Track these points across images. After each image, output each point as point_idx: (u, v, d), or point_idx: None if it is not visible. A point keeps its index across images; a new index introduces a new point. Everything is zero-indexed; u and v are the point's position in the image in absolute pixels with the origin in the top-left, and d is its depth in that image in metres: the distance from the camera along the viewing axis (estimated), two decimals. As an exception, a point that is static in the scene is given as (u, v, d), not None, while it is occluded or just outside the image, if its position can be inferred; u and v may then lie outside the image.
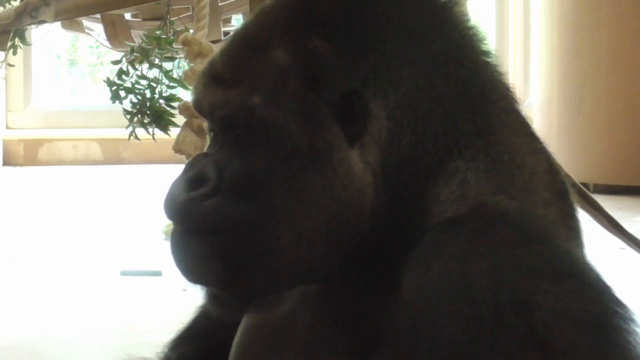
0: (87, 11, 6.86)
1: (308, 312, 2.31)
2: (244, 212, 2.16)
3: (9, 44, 6.47)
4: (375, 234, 2.16)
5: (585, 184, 8.45)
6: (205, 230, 2.19)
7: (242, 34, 2.30)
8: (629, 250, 6.24)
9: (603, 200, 6.12)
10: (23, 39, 6.89)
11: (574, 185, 5.07)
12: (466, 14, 2.30)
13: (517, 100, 2.28)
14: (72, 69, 14.26)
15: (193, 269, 2.23)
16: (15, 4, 6.85)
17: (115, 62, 6.81)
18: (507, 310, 1.91)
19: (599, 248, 7.12)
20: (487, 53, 2.27)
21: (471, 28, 2.29)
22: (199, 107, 2.27)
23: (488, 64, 2.27)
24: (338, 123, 2.15)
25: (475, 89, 2.21)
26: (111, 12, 7.56)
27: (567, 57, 10.91)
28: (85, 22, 8.28)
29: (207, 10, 5.86)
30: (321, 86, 2.15)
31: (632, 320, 1.98)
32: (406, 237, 2.09)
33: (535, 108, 11.52)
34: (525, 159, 2.20)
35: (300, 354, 2.28)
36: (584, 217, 4.84)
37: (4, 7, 7.17)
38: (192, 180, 2.19)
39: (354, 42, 2.18)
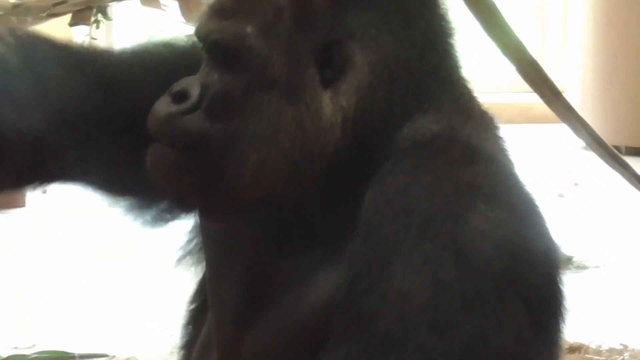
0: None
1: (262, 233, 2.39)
2: (218, 130, 2.25)
3: (92, 19, 6.56)
4: (336, 170, 2.25)
5: (617, 147, 8.55)
6: (181, 146, 2.28)
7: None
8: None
9: (633, 162, 5.92)
10: (105, 15, 6.97)
11: (607, 147, 5.19)
12: (446, 6, 2.37)
13: (469, 85, 2.37)
14: None
15: (167, 178, 2.32)
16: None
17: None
18: (437, 219, 2.03)
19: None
20: (453, 45, 2.36)
21: (448, 20, 2.36)
22: (198, 33, 2.32)
23: (453, 54, 2.36)
24: (317, 66, 2.23)
25: (442, 70, 2.32)
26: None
27: (601, 31, 10.93)
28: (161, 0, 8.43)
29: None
30: (309, 30, 2.24)
31: (551, 255, 2.14)
32: (370, 171, 2.18)
33: (571, 77, 11.55)
34: (472, 110, 2.33)
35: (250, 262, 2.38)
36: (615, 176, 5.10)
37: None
38: (176, 95, 2.27)
39: (349, 6, 2.26)
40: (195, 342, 2.52)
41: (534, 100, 4.56)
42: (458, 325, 2.00)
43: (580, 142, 4.94)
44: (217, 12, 2.29)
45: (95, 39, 8.93)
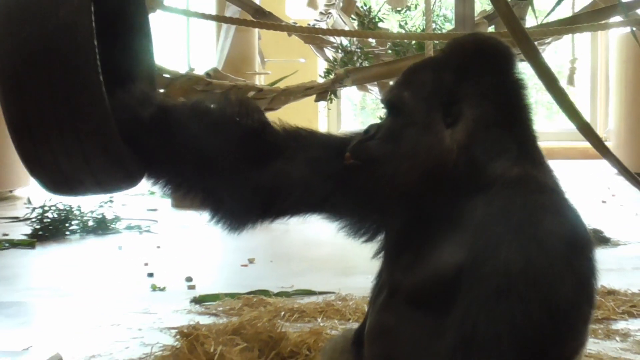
0: (370, 80, 6.97)
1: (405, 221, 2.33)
2: (385, 149, 2.25)
3: (328, 97, 6.57)
4: (450, 180, 2.22)
5: (638, 173, 8.43)
6: (361, 159, 2.27)
7: (414, 67, 2.35)
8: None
9: None
10: (336, 95, 6.98)
11: (631, 173, 5.11)
12: (524, 81, 2.33)
13: (536, 136, 2.33)
14: (362, 111, 14.03)
15: (355, 170, 2.28)
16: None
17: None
18: (524, 224, 2.06)
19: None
20: (528, 104, 2.33)
21: (524, 85, 2.33)
22: (383, 99, 2.35)
23: (528, 112, 2.33)
24: (442, 114, 2.23)
25: (519, 125, 2.29)
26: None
27: (630, 99, 10.74)
28: (369, 86, 8.39)
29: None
30: (439, 93, 2.25)
31: (590, 244, 2.13)
32: (473, 186, 2.20)
33: (612, 131, 11.36)
34: (535, 156, 2.29)
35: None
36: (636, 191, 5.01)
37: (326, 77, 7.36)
38: (364, 132, 2.30)
39: (463, 79, 2.26)
40: (378, 288, 2.41)
41: (588, 145, 4.50)
42: (539, 282, 2.01)
43: (614, 170, 4.86)
44: (396, 84, 2.33)
45: (330, 109, 8.96)
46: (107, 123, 2.27)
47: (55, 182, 2.35)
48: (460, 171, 2.22)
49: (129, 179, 2.38)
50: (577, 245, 2.10)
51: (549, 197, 2.15)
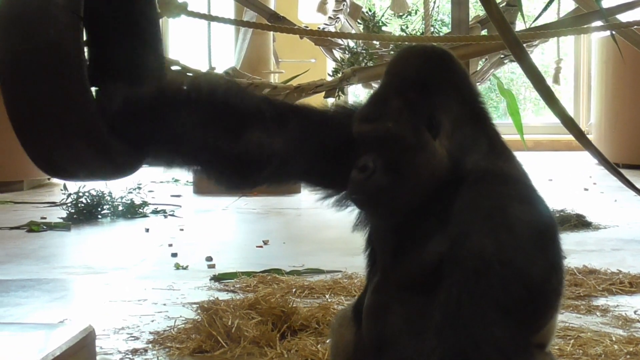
0: (374, 78, 6.96)
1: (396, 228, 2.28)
2: (387, 181, 2.19)
3: (336, 94, 6.56)
4: (442, 182, 2.20)
5: (617, 163, 8.42)
6: (367, 193, 2.21)
7: (375, 97, 2.26)
8: None
9: (626, 172, 6.04)
10: (343, 91, 6.97)
11: (610, 163, 5.10)
12: (469, 75, 2.34)
13: (496, 127, 2.30)
14: None
15: (364, 205, 2.26)
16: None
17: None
18: (493, 211, 2.08)
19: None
20: (485, 105, 2.31)
21: (475, 87, 2.32)
22: (357, 134, 2.24)
23: (486, 110, 2.31)
24: (427, 129, 2.19)
25: (481, 121, 2.27)
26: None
27: (609, 97, 10.71)
28: (373, 84, 8.37)
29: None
30: (417, 112, 2.18)
31: (554, 227, 2.15)
32: (452, 180, 2.18)
33: (593, 125, 11.32)
34: (501, 149, 2.26)
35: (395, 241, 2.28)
36: (615, 180, 5.00)
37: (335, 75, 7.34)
38: (361, 168, 2.20)
39: (432, 95, 2.21)
40: (372, 269, 2.41)
41: (572, 138, 4.49)
42: (512, 261, 2.03)
43: (595, 160, 4.85)
44: (365, 119, 2.21)
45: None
46: (92, 126, 2.30)
47: (55, 172, 2.44)
48: (448, 172, 2.21)
49: (118, 171, 2.41)
50: (542, 228, 2.11)
51: (513, 187, 2.15)
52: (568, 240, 5.79)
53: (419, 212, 2.22)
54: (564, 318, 4.02)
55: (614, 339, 3.76)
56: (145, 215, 7.47)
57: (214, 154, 2.36)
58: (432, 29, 8.44)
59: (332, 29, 8.96)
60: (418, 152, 2.19)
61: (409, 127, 2.19)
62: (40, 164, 2.39)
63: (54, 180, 9.44)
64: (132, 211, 7.44)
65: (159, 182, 8.85)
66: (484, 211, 2.08)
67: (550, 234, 2.13)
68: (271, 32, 9.08)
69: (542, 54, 12.70)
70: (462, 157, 2.21)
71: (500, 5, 8.08)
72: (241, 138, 2.35)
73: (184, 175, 2.36)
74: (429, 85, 2.22)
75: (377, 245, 2.37)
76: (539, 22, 6.05)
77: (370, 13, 9.55)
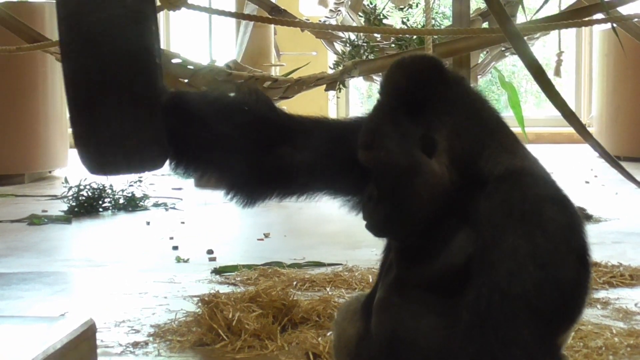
0: (376, 71, 6.94)
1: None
2: (390, 209, 2.20)
3: (337, 87, 6.55)
4: (453, 192, 2.18)
5: (618, 156, 8.38)
6: (375, 221, 2.23)
7: (370, 121, 2.25)
8: None
9: (627, 165, 6.02)
10: (344, 84, 6.96)
11: (611, 156, 5.08)
12: (465, 79, 2.29)
13: (508, 127, 2.28)
14: (368, 99, 13.68)
15: (377, 233, 2.27)
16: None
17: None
18: (526, 212, 2.05)
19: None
20: (492, 108, 2.27)
21: (472, 88, 2.29)
22: (361, 161, 2.25)
23: (492, 110, 2.28)
24: (421, 150, 2.17)
25: (490, 125, 2.23)
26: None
27: (609, 92, 10.72)
28: (374, 76, 8.35)
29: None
30: (408, 137, 2.17)
31: (582, 225, 2.12)
32: (469, 187, 2.16)
33: (595, 117, 11.31)
34: (514, 146, 2.23)
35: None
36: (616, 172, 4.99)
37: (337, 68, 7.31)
38: (368, 197, 2.22)
39: (421, 114, 2.18)
40: (388, 267, 2.36)
41: (573, 131, 4.49)
42: (547, 264, 2.02)
43: (596, 153, 4.83)
44: (366, 147, 2.22)
45: (339, 97, 8.91)
46: (158, 104, 2.28)
47: (101, 156, 2.31)
48: (455, 182, 2.18)
49: (162, 157, 2.34)
50: (574, 229, 2.10)
51: (543, 187, 2.13)
52: (569, 233, 5.76)
53: (436, 220, 2.20)
54: (565, 311, 4.01)
55: (614, 331, 3.77)
56: (146, 209, 7.46)
57: (246, 165, 2.37)
58: (433, 21, 8.42)
59: (333, 21, 8.94)
60: (414, 176, 2.17)
61: (401, 153, 2.17)
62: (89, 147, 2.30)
63: (55, 173, 9.45)
64: (133, 204, 7.44)
65: (160, 175, 8.84)
66: (518, 213, 2.06)
67: (581, 235, 2.11)
68: (272, 25, 9.06)
69: (543, 47, 12.68)
70: (474, 161, 2.18)
71: (502, -2, 8.07)
72: (272, 152, 2.36)
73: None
74: (418, 104, 2.19)
75: (394, 245, 2.34)
76: (540, 15, 6.04)
77: (371, 6, 9.52)
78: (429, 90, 2.20)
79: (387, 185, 2.20)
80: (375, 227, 2.25)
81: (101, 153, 2.27)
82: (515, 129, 7.88)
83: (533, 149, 2.32)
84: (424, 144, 2.17)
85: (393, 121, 2.19)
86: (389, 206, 2.20)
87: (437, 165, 2.17)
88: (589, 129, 8.21)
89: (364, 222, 2.27)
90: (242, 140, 2.37)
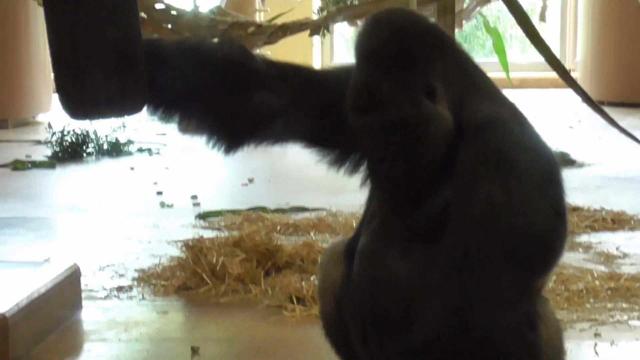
0: (360, 17, 6.92)
1: None
2: (410, 163, 2.15)
3: (322, 32, 6.51)
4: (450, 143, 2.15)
5: (601, 101, 8.44)
6: (395, 181, 2.17)
7: (361, 83, 2.16)
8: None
9: (609, 110, 6.04)
10: (328, 29, 6.92)
11: (594, 101, 5.10)
12: (461, 45, 2.28)
13: (486, 73, 2.26)
14: (352, 45, 13.84)
15: (396, 191, 2.20)
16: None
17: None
18: (501, 160, 2.05)
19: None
20: (467, 53, 2.26)
21: (465, 51, 2.26)
22: (358, 127, 2.18)
23: (473, 61, 2.25)
24: (426, 100, 2.13)
25: (472, 77, 2.21)
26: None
27: (594, 37, 10.70)
28: (359, 22, 8.31)
29: None
30: (413, 88, 2.12)
31: (561, 176, 2.13)
32: (456, 133, 2.14)
33: (579, 63, 11.31)
34: (493, 92, 2.23)
35: None
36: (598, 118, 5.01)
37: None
38: (379, 159, 2.16)
39: (418, 65, 2.14)
40: (371, 214, 2.34)
41: (555, 76, 4.49)
42: (522, 212, 2.02)
43: (579, 99, 4.84)
44: (361, 110, 2.15)
45: (323, 43, 8.88)
46: (138, 50, 2.28)
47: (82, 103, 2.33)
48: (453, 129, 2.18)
49: (142, 103, 2.35)
50: (549, 176, 2.10)
51: (519, 135, 2.12)
52: (552, 178, 5.78)
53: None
54: (547, 255, 4.03)
55: (595, 275, 3.80)
56: (130, 154, 7.44)
57: (222, 112, 2.36)
58: (418, -35, 8.35)
59: (317, -34, 8.87)
60: (428, 125, 2.13)
61: (411, 106, 2.13)
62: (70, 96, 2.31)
63: (39, 118, 9.39)
64: (117, 149, 7.41)
65: (144, 120, 8.80)
66: (493, 161, 2.05)
67: (557, 181, 2.11)
68: (256, -30, 8.98)
69: (528, -8, 12.63)
70: (461, 110, 2.16)
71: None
72: (252, 97, 2.34)
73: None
74: (412, 56, 2.14)
75: (379, 192, 2.31)
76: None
77: (355, -50, 9.44)
78: (418, 41, 2.16)
79: (403, 141, 2.15)
80: (396, 185, 2.18)
81: (82, 98, 2.28)
82: (500, 75, 7.90)
83: (518, 94, 2.33)
84: (426, 92, 2.14)
85: (391, 77, 2.13)
86: (408, 161, 2.15)
87: (443, 110, 2.15)
88: (573, 73, 8.18)
89: (378, 185, 2.24)
90: (217, 87, 2.35)
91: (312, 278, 3.63)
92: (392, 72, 2.13)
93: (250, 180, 6.14)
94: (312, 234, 4.56)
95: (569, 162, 6.62)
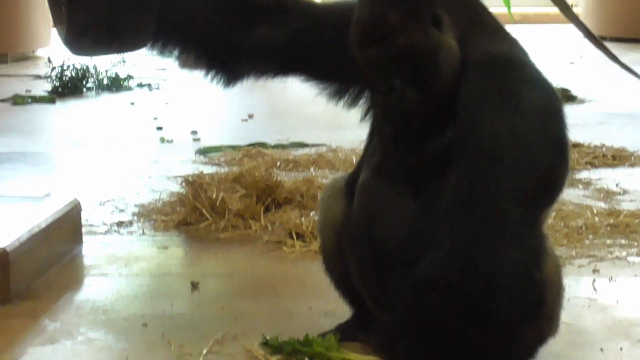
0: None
1: None
2: (420, 94, 2.12)
3: None
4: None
5: (603, 37, 8.38)
6: (404, 113, 2.15)
7: (367, 16, 2.14)
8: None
9: (611, 45, 6.02)
10: None
11: (595, 37, 5.05)
12: None
13: (488, 9, 2.25)
14: None
15: (403, 125, 2.19)
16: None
17: None
18: (505, 96, 2.07)
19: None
20: (479, 1, 2.25)
21: None
22: (365, 59, 2.16)
23: (485, 9, 2.24)
24: (433, 29, 2.11)
25: (478, 13, 2.21)
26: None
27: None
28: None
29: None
30: (421, 17, 2.10)
31: (564, 112, 2.14)
32: (461, 70, 2.12)
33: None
34: (495, 27, 2.22)
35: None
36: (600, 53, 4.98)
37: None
38: (388, 91, 2.13)
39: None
40: (372, 150, 2.35)
41: (557, 11, 4.44)
42: (527, 147, 2.04)
43: (581, 34, 4.80)
44: (369, 42, 2.13)
45: None
46: None
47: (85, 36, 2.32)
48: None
49: (143, 36, 2.34)
50: (552, 112, 2.11)
51: (521, 71, 2.13)
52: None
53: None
54: (546, 191, 4.04)
55: (595, 211, 3.81)
56: (130, 89, 7.41)
57: (223, 45, 2.35)
58: None
59: None
60: (437, 53, 2.12)
61: (420, 35, 2.11)
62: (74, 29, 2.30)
63: (38, 53, 9.34)
64: (117, 84, 7.38)
65: (144, 55, 8.76)
66: (497, 97, 2.06)
67: (560, 117, 2.12)
68: None
69: None
70: (465, 44, 2.15)
71: None
72: (252, 30, 2.33)
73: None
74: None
75: (381, 129, 2.31)
76: None
77: None
78: None
79: (413, 71, 2.12)
80: (404, 118, 2.16)
81: (81, 33, 2.26)
82: (501, 9, 7.82)
83: (519, 29, 2.30)
84: (433, 21, 2.13)
85: (398, 7, 2.11)
86: (417, 92, 2.13)
87: (450, 40, 2.14)
88: (575, 9, 8.11)
89: (385, 118, 2.22)
90: (217, 19, 2.33)
91: (311, 214, 3.64)
92: (399, 2, 2.12)
93: (250, 116, 6.12)
94: (312, 169, 4.55)
95: (570, 98, 6.60)
